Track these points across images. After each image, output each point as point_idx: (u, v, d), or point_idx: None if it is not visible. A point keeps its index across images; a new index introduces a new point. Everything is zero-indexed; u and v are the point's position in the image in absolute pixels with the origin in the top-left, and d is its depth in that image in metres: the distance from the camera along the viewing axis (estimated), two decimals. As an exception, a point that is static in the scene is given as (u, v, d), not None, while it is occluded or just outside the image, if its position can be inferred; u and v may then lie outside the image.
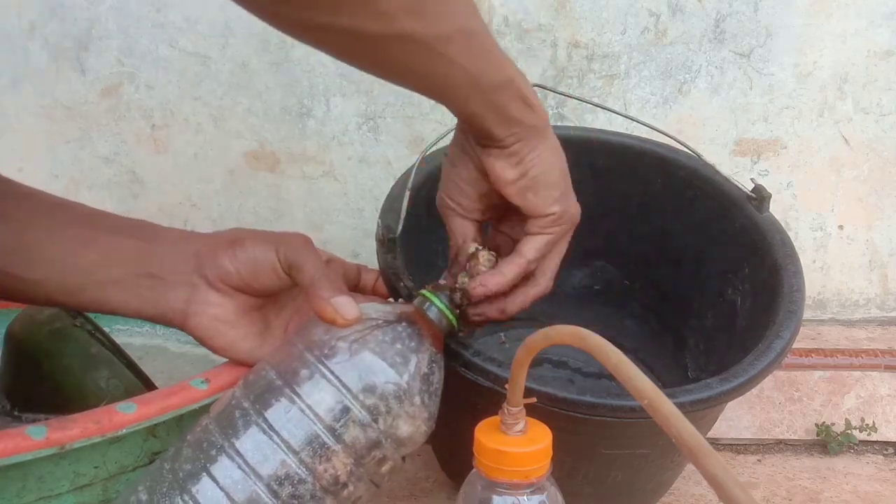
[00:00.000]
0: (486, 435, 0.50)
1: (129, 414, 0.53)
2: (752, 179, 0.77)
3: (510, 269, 0.58)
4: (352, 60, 0.50)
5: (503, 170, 0.57)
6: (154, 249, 0.58)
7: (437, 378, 0.55)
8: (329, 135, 0.98)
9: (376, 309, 0.56)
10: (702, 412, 0.62)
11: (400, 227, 0.65)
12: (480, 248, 0.60)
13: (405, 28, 0.47)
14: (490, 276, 0.58)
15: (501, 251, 0.61)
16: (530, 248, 0.59)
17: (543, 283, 0.60)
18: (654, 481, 0.72)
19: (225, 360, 0.61)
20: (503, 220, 0.62)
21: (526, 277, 0.59)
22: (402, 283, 0.62)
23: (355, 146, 0.98)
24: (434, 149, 0.73)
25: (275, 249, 0.56)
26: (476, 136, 0.57)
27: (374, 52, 0.48)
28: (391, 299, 0.64)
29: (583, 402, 0.58)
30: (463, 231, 0.60)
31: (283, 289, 0.58)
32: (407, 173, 0.70)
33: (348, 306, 0.53)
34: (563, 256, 0.61)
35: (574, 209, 0.60)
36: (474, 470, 0.52)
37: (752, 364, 0.63)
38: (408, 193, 0.67)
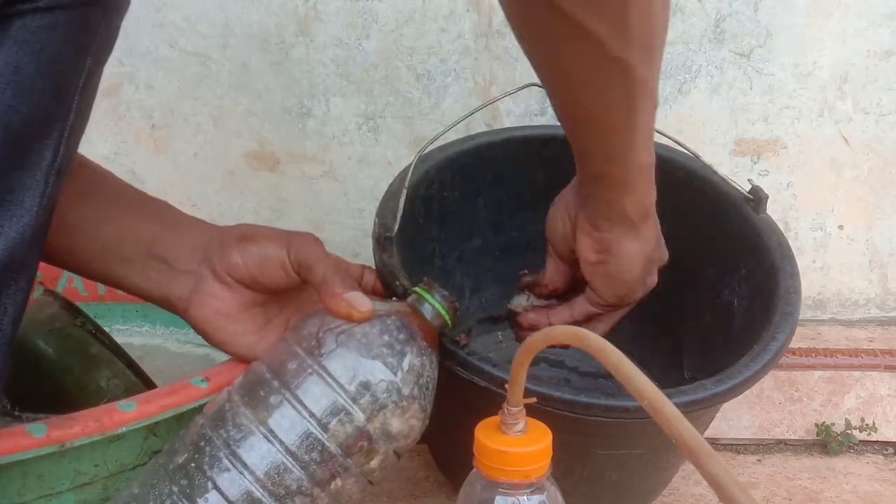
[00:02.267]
0: (487, 435, 0.50)
1: (129, 412, 0.53)
2: (749, 180, 0.77)
3: (557, 318, 0.65)
4: (556, 62, 0.50)
5: (586, 250, 0.61)
6: (168, 235, 0.58)
7: (429, 373, 0.55)
8: (329, 135, 0.98)
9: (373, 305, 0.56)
10: (697, 413, 0.62)
11: (396, 226, 0.65)
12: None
13: (632, 58, 0.48)
14: (535, 315, 0.66)
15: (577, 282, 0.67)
16: (580, 310, 0.65)
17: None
18: (649, 481, 0.72)
19: (225, 359, 0.61)
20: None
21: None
22: (397, 282, 0.62)
23: (355, 146, 0.98)
24: (431, 147, 0.74)
25: (285, 247, 0.57)
26: (583, 200, 0.60)
27: (590, 65, 0.49)
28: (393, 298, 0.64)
29: (577, 402, 0.58)
30: (553, 270, 0.67)
31: (289, 286, 0.59)
32: (404, 172, 0.71)
33: (362, 300, 0.55)
34: (613, 326, 0.67)
35: (634, 297, 0.65)
36: (474, 470, 0.52)
37: (747, 366, 0.63)
38: (404, 192, 0.67)
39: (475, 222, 0.83)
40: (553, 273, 0.68)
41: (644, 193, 0.57)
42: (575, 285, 0.68)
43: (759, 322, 0.68)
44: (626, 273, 0.62)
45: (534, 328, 0.65)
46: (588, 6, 0.46)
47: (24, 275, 0.47)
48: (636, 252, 0.60)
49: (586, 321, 0.65)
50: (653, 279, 0.65)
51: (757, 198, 0.75)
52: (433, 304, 0.57)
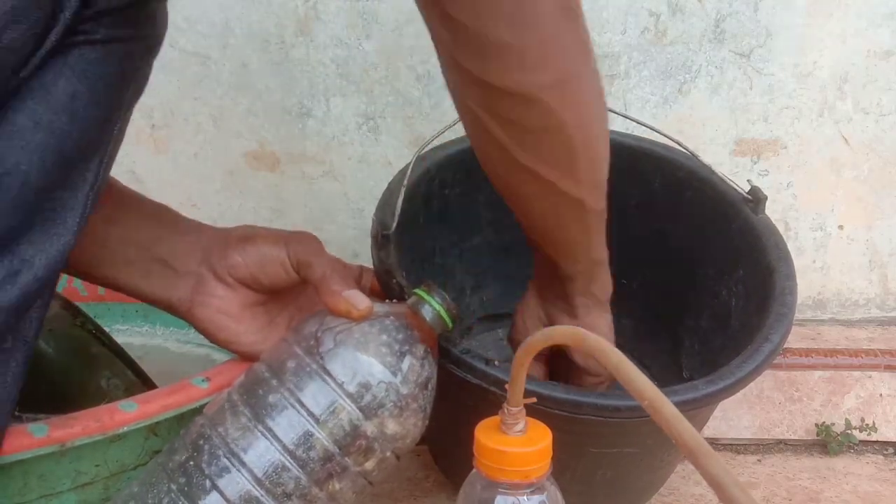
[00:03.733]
0: (487, 435, 0.50)
1: (130, 412, 0.53)
2: (748, 181, 0.77)
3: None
4: (518, 200, 0.57)
5: None
6: (168, 237, 0.59)
7: (428, 374, 0.55)
8: (329, 135, 0.98)
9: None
10: (690, 413, 0.62)
11: (394, 224, 0.65)
12: None
13: (584, 196, 0.56)
14: None
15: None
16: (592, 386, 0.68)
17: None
18: (643, 480, 0.72)
19: (226, 359, 0.61)
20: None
21: None
22: (394, 280, 0.62)
23: (355, 146, 0.98)
24: (431, 146, 0.74)
25: (285, 247, 0.58)
26: (553, 302, 0.64)
27: (547, 203, 0.56)
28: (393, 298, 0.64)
29: (568, 400, 0.59)
30: (534, 374, 0.67)
31: (289, 285, 0.59)
32: (403, 171, 0.71)
33: (360, 298, 0.55)
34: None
35: None
36: (474, 470, 0.52)
37: (740, 367, 0.63)
38: (403, 190, 0.67)
39: (476, 220, 0.83)
40: (532, 371, 0.70)
41: (606, 280, 0.64)
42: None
43: (755, 323, 0.68)
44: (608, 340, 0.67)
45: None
46: (541, 159, 0.53)
47: (49, 289, 0.49)
48: (608, 323, 0.66)
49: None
50: None
51: (755, 198, 0.75)
52: (433, 306, 0.57)
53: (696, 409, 0.62)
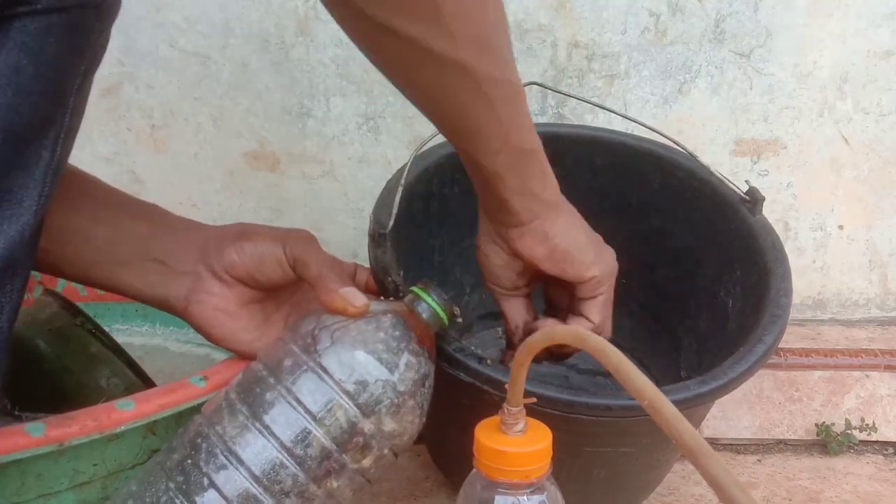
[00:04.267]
0: (486, 435, 0.50)
1: (127, 411, 0.53)
2: (746, 182, 0.77)
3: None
4: (401, 76, 0.51)
5: (531, 248, 0.60)
6: (163, 236, 0.59)
7: (425, 372, 0.55)
8: (329, 135, 0.98)
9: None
10: (683, 413, 0.62)
11: (391, 223, 0.65)
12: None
13: (466, 57, 0.48)
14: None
15: (560, 303, 0.66)
16: (594, 313, 0.63)
17: (608, 331, 0.65)
18: (639, 480, 0.72)
19: (224, 357, 0.61)
20: (551, 280, 0.65)
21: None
22: (389, 278, 0.62)
23: (355, 146, 0.98)
24: (429, 145, 0.74)
25: (281, 244, 0.58)
26: (496, 216, 0.60)
27: (427, 73, 0.49)
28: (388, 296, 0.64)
29: (560, 399, 0.59)
30: (513, 311, 0.65)
31: (285, 283, 0.59)
32: (401, 170, 0.71)
33: (357, 295, 0.55)
34: (610, 313, 0.65)
35: (611, 263, 0.64)
36: (474, 470, 0.52)
37: (732, 367, 0.63)
38: (400, 189, 0.67)
39: (475, 219, 0.83)
40: (514, 312, 0.65)
41: (543, 175, 0.57)
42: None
43: (750, 324, 0.68)
44: (577, 243, 0.61)
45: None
46: (397, 11, 0.46)
47: (20, 274, 0.48)
48: (570, 222, 0.61)
49: (605, 316, 0.64)
50: (609, 252, 0.64)
51: (753, 199, 0.75)
52: (430, 304, 0.57)
53: (689, 409, 0.62)
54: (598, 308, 0.63)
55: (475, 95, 0.51)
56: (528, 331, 0.65)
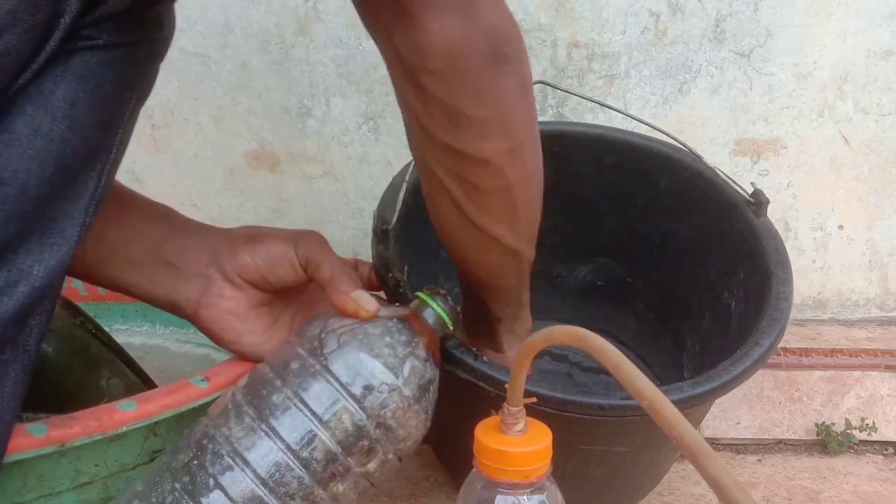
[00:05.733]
0: (487, 435, 0.50)
1: (129, 412, 0.53)
2: (752, 184, 0.77)
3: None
4: (462, 254, 0.59)
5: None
6: (174, 238, 0.59)
7: (430, 376, 0.55)
8: (329, 135, 0.98)
9: None
10: (680, 414, 0.63)
11: (395, 219, 0.65)
12: None
13: (522, 249, 0.58)
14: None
15: None
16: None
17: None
18: (634, 479, 0.73)
19: (226, 358, 0.61)
20: None
21: None
22: (390, 275, 0.63)
23: (355, 146, 0.98)
24: None
25: (293, 246, 0.58)
26: (479, 337, 0.66)
27: (491, 256, 0.58)
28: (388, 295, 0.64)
29: (553, 398, 0.59)
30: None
31: (296, 284, 0.59)
32: (407, 166, 0.71)
33: (368, 299, 0.56)
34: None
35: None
36: (474, 470, 0.52)
37: (728, 369, 0.63)
38: (405, 186, 0.67)
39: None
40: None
41: (528, 319, 0.67)
42: None
43: (750, 326, 0.68)
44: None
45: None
46: (489, 216, 0.55)
47: (50, 298, 0.48)
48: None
49: None
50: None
51: (758, 201, 0.75)
52: (435, 309, 0.58)
53: (685, 410, 0.62)
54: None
55: (515, 271, 0.60)
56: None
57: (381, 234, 0.65)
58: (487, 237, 0.56)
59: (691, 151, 0.78)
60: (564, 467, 0.64)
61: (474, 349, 0.62)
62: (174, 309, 0.59)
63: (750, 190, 0.76)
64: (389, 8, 0.47)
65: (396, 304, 0.61)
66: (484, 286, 0.62)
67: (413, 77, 0.49)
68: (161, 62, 0.51)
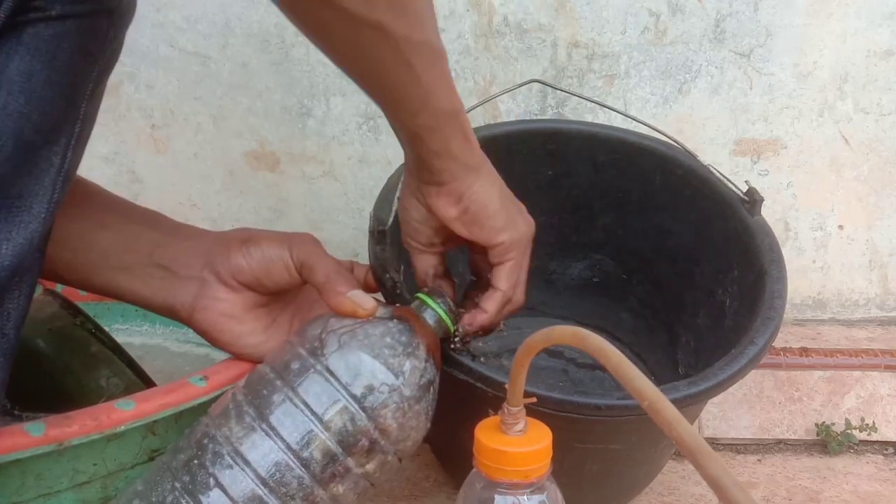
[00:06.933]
0: (486, 435, 0.50)
1: (127, 411, 0.53)
2: (746, 182, 0.77)
3: (491, 304, 0.62)
4: (320, 39, 0.51)
5: (445, 208, 0.60)
6: (168, 242, 0.59)
7: (430, 377, 0.55)
8: (329, 135, 0.98)
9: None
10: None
11: (391, 219, 0.65)
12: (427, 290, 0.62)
13: (382, 19, 0.48)
14: (478, 314, 0.62)
15: (480, 270, 0.66)
16: (501, 279, 0.62)
17: (518, 299, 0.64)
18: (630, 476, 0.73)
19: (224, 357, 0.61)
20: (470, 246, 0.65)
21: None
22: (387, 275, 0.63)
23: (355, 146, 0.98)
24: None
25: (287, 248, 0.58)
26: (417, 174, 0.59)
27: (346, 34, 0.49)
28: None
29: (550, 398, 0.59)
30: (423, 264, 0.64)
31: (291, 286, 0.59)
32: (402, 166, 0.71)
33: (365, 298, 0.56)
34: (528, 269, 0.64)
35: (524, 229, 0.63)
36: (474, 470, 0.52)
37: (722, 369, 0.63)
38: (400, 186, 0.67)
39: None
40: (424, 264, 0.64)
41: (464, 137, 0.57)
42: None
43: (745, 324, 0.68)
44: (488, 208, 0.60)
45: (479, 329, 0.62)
46: None
47: (27, 280, 0.48)
48: (487, 187, 0.60)
49: (513, 283, 0.63)
50: (525, 220, 0.63)
51: (752, 199, 0.75)
52: (436, 311, 0.58)
53: (680, 410, 0.62)
54: (506, 274, 0.62)
55: (394, 57, 0.51)
56: (436, 276, 0.64)
57: (377, 235, 0.65)
58: (320, 5, 0.47)
59: (685, 149, 0.78)
60: (561, 465, 0.64)
61: (472, 350, 0.61)
62: (170, 313, 0.59)
63: (745, 188, 0.76)
64: None
65: (396, 304, 0.61)
66: (370, 84, 0.54)
67: None
68: (124, 32, 0.49)
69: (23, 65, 0.43)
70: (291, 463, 0.51)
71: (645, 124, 0.79)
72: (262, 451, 0.51)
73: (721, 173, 0.77)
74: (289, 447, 0.51)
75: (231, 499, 0.50)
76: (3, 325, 0.47)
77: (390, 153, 0.98)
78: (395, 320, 0.56)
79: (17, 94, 0.43)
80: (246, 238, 0.59)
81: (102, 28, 0.47)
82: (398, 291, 0.63)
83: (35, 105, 0.44)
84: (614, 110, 0.80)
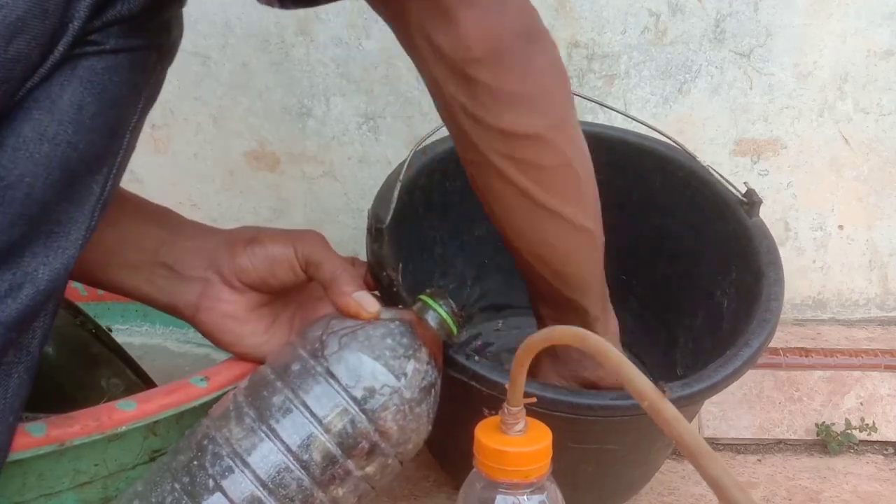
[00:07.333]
0: (487, 435, 0.50)
1: (128, 411, 0.53)
2: (745, 183, 0.77)
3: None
4: (523, 235, 0.59)
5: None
6: (173, 241, 0.59)
7: (432, 379, 0.55)
8: (329, 135, 0.98)
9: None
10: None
11: (389, 217, 0.65)
12: None
13: (592, 227, 0.60)
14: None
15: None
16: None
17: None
18: (626, 476, 0.73)
19: (225, 357, 0.61)
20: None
21: None
22: (385, 273, 0.63)
23: (355, 146, 0.98)
24: (429, 141, 0.74)
25: (292, 246, 0.58)
26: (573, 364, 0.66)
27: (558, 235, 0.58)
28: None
29: (544, 397, 0.59)
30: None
31: (296, 284, 0.59)
32: (400, 166, 0.71)
33: (370, 300, 0.56)
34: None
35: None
36: (474, 470, 0.52)
37: (717, 370, 0.63)
38: (399, 185, 0.67)
39: (477, 212, 0.83)
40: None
41: (614, 316, 0.67)
42: None
43: (742, 326, 0.69)
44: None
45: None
46: (558, 195, 0.56)
47: (55, 301, 0.48)
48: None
49: None
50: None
51: (750, 201, 0.75)
52: (438, 313, 0.57)
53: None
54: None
55: (593, 255, 0.61)
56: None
57: (375, 233, 0.65)
58: (558, 219, 0.57)
59: (685, 151, 0.78)
60: (556, 465, 0.64)
61: (468, 349, 0.61)
62: (173, 312, 0.59)
63: (743, 189, 0.76)
64: (429, 10, 0.49)
65: (399, 306, 0.61)
66: (567, 281, 0.61)
67: (458, 70, 0.51)
68: (169, 66, 0.51)
69: (75, 96, 0.45)
70: (291, 465, 0.51)
71: (645, 124, 0.79)
72: (262, 453, 0.51)
73: (720, 174, 0.77)
74: (289, 449, 0.51)
75: (231, 500, 0.50)
76: (29, 343, 0.48)
77: (390, 153, 0.98)
78: (397, 322, 0.55)
79: (66, 125, 0.45)
80: (251, 238, 0.58)
81: (151, 62, 0.49)
82: (395, 289, 0.62)
83: (83, 135, 0.45)
84: (614, 110, 0.80)
